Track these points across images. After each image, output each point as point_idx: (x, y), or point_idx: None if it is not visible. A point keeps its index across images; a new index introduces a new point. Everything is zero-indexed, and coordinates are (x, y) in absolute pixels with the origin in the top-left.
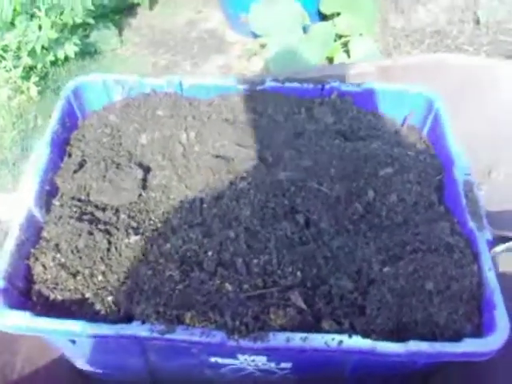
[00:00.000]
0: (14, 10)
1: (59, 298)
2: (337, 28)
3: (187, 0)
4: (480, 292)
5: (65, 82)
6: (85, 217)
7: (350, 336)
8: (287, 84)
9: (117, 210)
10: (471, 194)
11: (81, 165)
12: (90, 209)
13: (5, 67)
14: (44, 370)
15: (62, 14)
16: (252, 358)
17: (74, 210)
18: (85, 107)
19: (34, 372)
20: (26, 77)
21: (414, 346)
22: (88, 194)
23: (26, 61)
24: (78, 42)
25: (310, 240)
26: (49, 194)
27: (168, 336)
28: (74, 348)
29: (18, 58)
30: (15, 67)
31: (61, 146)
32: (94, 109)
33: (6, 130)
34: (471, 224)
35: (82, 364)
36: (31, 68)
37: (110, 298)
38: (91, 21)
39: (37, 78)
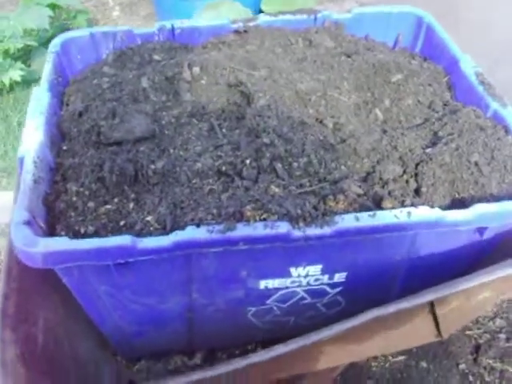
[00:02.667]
0: None
1: (91, 229)
2: None
3: (128, 22)
4: None
5: (13, 109)
6: (103, 150)
7: (416, 207)
8: (280, 17)
9: (133, 144)
10: (485, 80)
11: (85, 109)
12: (104, 146)
13: None
14: (68, 344)
15: (1, 42)
16: (306, 270)
17: (86, 149)
18: (73, 65)
19: (58, 345)
20: None
21: (482, 208)
22: (99, 134)
23: None
24: (23, 66)
25: (345, 138)
26: (54, 138)
27: (229, 234)
28: (109, 295)
29: None
30: None
31: (57, 97)
32: (83, 66)
33: None
34: (494, 104)
35: (111, 325)
36: None
37: (149, 218)
38: (34, 43)
39: None
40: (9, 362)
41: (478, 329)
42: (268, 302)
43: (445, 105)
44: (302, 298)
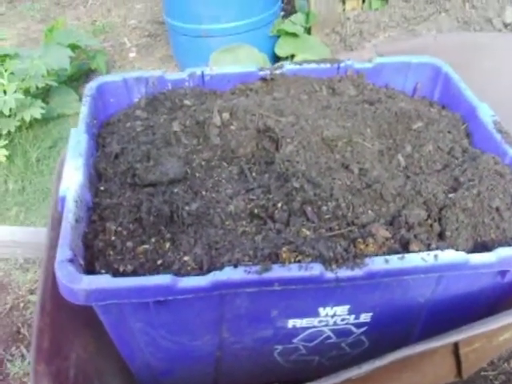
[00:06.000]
0: None
1: (130, 268)
2: None
3: (144, 63)
4: None
5: (32, 145)
6: (139, 191)
7: (442, 250)
8: (305, 65)
9: (167, 186)
10: (503, 128)
11: (121, 152)
12: (140, 187)
13: None
14: (97, 380)
15: (23, 80)
16: (333, 310)
17: (123, 190)
18: (106, 108)
19: (87, 381)
20: None
21: (504, 252)
22: (134, 176)
23: None
24: (43, 105)
25: (371, 184)
26: (91, 178)
27: (265, 275)
28: (143, 332)
29: None
30: None
31: (92, 139)
32: (115, 110)
33: None
34: (511, 152)
35: (142, 362)
36: None
37: (186, 258)
38: (54, 83)
39: (5, 142)
40: None
41: (493, 370)
42: (295, 340)
43: (464, 151)
44: (328, 338)
